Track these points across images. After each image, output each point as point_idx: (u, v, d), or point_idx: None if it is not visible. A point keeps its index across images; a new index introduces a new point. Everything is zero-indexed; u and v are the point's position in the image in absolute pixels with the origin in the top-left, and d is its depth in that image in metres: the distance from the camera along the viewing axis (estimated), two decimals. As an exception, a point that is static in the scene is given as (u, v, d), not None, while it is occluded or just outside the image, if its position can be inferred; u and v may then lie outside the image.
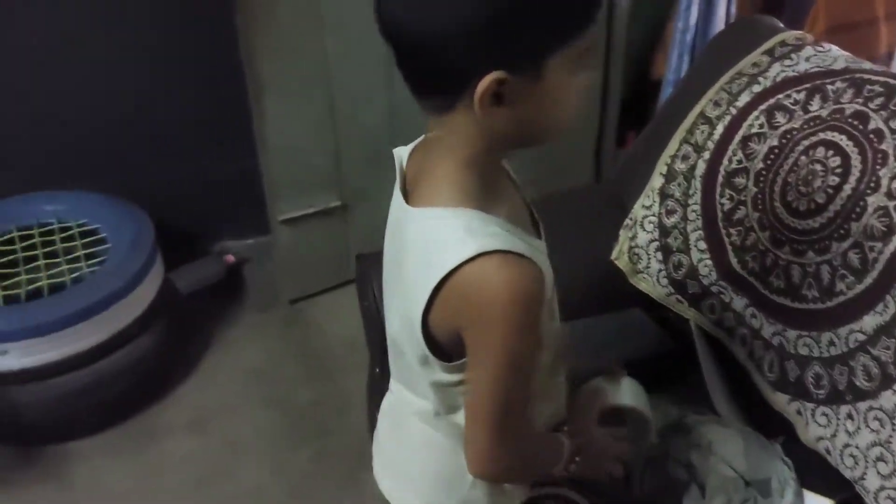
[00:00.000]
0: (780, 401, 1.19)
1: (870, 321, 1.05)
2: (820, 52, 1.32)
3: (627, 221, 1.44)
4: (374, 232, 1.02)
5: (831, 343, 1.10)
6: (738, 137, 1.30)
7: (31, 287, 1.84)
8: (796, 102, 1.25)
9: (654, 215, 1.41)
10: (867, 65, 1.26)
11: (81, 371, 1.83)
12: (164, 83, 2.20)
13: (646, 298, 1.41)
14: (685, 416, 1.16)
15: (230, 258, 2.48)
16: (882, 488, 1.02)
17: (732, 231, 1.28)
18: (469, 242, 0.77)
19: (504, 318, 0.78)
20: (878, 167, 1.08)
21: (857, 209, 1.08)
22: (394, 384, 1.04)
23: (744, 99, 1.33)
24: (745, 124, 1.30)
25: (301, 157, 2.12)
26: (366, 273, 1.43)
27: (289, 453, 1.89)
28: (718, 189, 1.31)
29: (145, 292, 1.94)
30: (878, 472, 1.03)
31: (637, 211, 1.43)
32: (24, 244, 1.98)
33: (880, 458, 1.03)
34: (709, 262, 1.31)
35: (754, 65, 1.37)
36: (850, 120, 1.15)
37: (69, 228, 2.04)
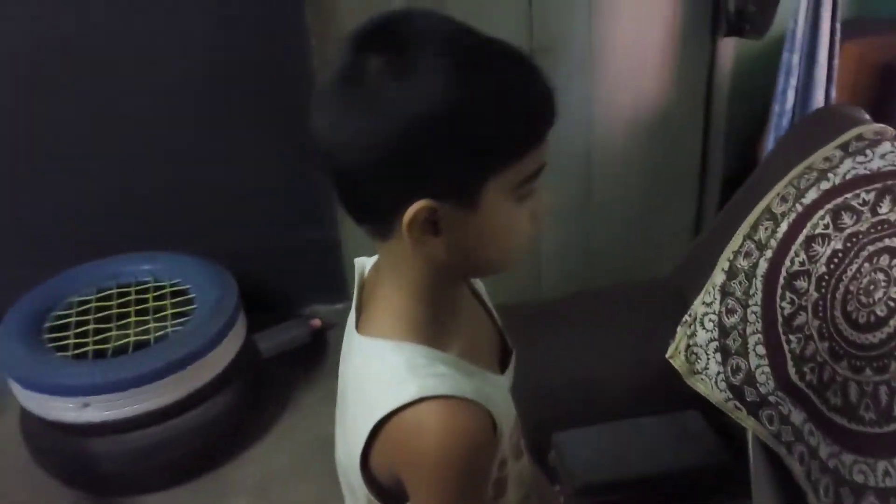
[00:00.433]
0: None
1: (927, 454, 0.95)
2: (899, 148, 1.24)
3: (686, 318, 1.38)
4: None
5: (887, 473, 1.00)
6: (801, 237, 1.23)
7: (118, 343, 1.94)
8: (864, 203, 1.17)
9: (714, 313, 1.34)
10: (948, 165, 1.17)
11: (157, 427, 1.90)
12: (254, 154, 2.32)
13: (704, 400, 1.33)
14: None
15: (316, 322, 2.54)
16: None
17: (792, 338, 1.19)
18: (409, 383, 0.71)
19: (442, 475, 0.71)
20: (944, 282, 0.99)
21: (919, 327, 0.99)
22: None
23: (811, 196, 1.26)
24: (810, 223, 1.23)
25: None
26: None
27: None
28: (779, 291, 1.23)
29: (224, 353, 2.00)
30: None
31: (697, 308, 1.37)
32: (120, 300, 2.10)
33: None
34: (767, 368, 1.22)
35: (826, 159, 1.29)
36: (918, 227, 1.06)
37: (163, 287, 2.15)
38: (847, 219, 1.18)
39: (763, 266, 1.28)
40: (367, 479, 0.75)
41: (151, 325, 2.01)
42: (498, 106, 0.67)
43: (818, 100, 1.97)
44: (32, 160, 2.23)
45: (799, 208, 1.26)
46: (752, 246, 1.31)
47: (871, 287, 1.07)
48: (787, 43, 1.99)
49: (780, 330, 1.21)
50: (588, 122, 2.31)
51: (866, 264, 1.10)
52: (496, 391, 0.79)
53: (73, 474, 1.94)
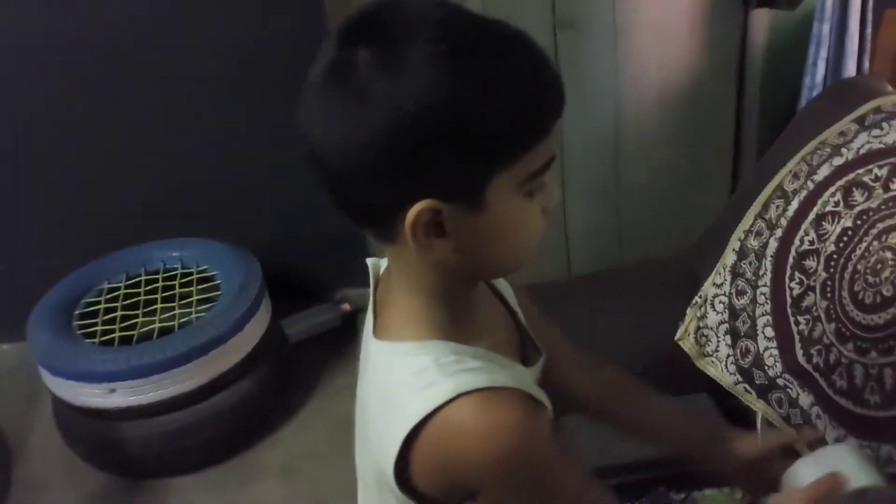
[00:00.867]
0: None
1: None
2: (917, 121, 1.18)
3: (696, 300, 1.34)
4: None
5: (889, 459, 0.96)
6: (812, 215, 1.18)
7: (143, 330, 1.98)
8: (877, 179, 1.12)
9: (724, 295, 1.30)
10: (967, 137, 1.11)
11: (183, 411, 1.93)
12: (283, 141, 2.32)
13: (714, 383, 1.30)
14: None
15: (346, 306, 2.55)
16: None
17: (801, 319, 1.15)
18: (442, 383, 0.66)
19: (507, 473, 0.66)
20: (951, 260, 0.95)
21: (924, 307, 0.95)
22: None
23: (823, 172, 1.21)
24: (821, 201, 1.18)
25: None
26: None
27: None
28: (788, 272, 1.19)
29: (248, 338, 2.02)
30: None
31: (707, 289, 1.33)
32: (148, 287, 2.14)
33: None
34: (775, 351, 1.19)
35: (840, 134, 1.24)
36: (928, 203, 1.01)
37: (190, 274, 2.18)
38: (858, 195, 1.13)
39: (773, 246, 1.23)
40: (401, 486, 0.70)
41: (177, 311, 2.04)
42: (498, 96, 0.62)
43: (850, 71, 1.89)
44: (64, 151, 2.28)
45: (810, 185, 1.22)
46: (763, 225, 1.27)
47: (879, 266, 1.03)
48: (818, 12, 1.91)
49: (789, 311, 1.17)
50: (615, 100, 2.26)
51: (875, 242, 1.05)
52: (527, 381, 0.74)
53: (104, 458, 1.99)
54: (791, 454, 0.92)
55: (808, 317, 1.14)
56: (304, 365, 2.34)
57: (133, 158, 2.31)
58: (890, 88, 1.31)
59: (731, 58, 2.24)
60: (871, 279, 1.03)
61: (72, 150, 2.28)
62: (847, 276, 1.08)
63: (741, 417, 1.29)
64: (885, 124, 1.19)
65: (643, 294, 1.42)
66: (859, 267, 1.06)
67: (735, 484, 0.93)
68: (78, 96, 2.22)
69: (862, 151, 1.18)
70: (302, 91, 0.67)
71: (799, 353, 1.14)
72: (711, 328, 1.30)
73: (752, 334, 1.23)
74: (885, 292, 1.00)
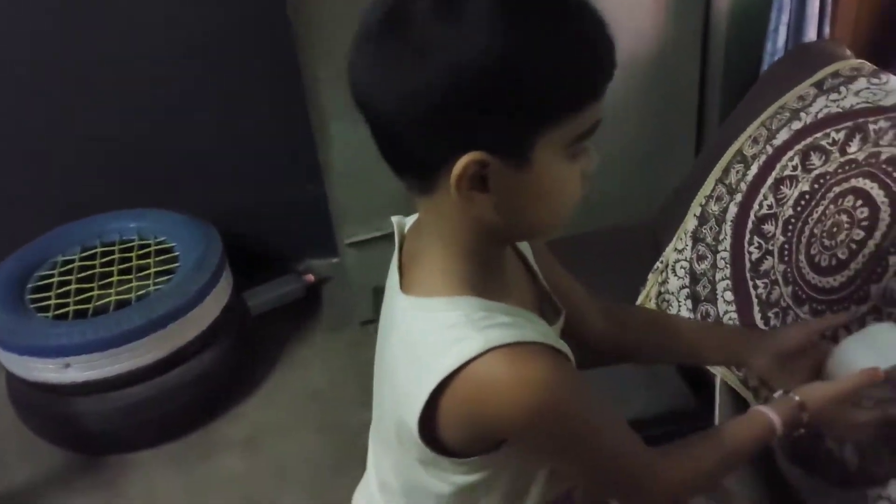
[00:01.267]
0: (795, 474, 1.06)
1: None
2: (875, 84, 1.17)
3: (658, 265, 1.34)
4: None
5: (844, 420, 0.97)
6: (770, 180, 1.18)
7: (99, 303, 1.94)
8: (834, 143, 1.12)
9: (685, 260, 1.30)
10: (925, 100, 1.11)
11: (141, 385, 1.90)
12: (242, 109, 2.28)
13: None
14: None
15: (310, 277, 2.52)
16: None
17: (759, 283, 1.15)
18: (472, 338, 0.67)
19: (539, 425, 0.69)
20: (905, 222, 0.95)
21: (879, 269, 0.95)
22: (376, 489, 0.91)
23: (782, 136, 1.21)
24: (780, 165, 1.18)
25: (365, 181, 2.11)
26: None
27: (331, 480, 1.88)
28: (748, 236, 1.19)
29: (208, 310, 1.99)
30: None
31: (668, 254, 1.33)
32: (103, 260, 2.09)
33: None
34: (734, 315, 1.19)
35: (800, 98, 1.24)
36: (884, 166, 1.01)
37: (147, 245, 2.13)
38: (816, 159, 1.13)
39: (733, 210, 1.23)
40: (425, 438, 0.72)
41: (134, 283, 2.00)
42: (552, 55, 0.62)
43: (810, 36, 1.88)
44: (17, 120, 2.21)
45: (769, 150, 1.21)
46: (723, 190, 1.27)
47: (835, 229, 1.03)
48: (779, -24, 1.90)
49: (748, 275, 1.18)
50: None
51: (831, 206, 1.05)
52: (555, 337, 0.75)
53: (60, 434, 1.95)
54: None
55: (766, 280, 1.14)
56: (268, 337, 2.31)
57: (89, 127, 2.25)
58: (848, 53, 1.30)
59: (695, 26, 2.23)
60: (826, 242, 1.03)
61: (24, 119, 2.21)
62: (804, 239, 1.08)
63: (702, 381, 1.30)
64: (842, 88, 1.19)
65: (606, 260, 1.42)
66: (816, 230, 1.06)
67: (775, 381, 0.94)
68: (30, 66, 2.15)
69: (820, 115, 1.18)
70: (356, 34, 0.67)
71: (757, 316, 1.14)
72: (673, 293, 1.30)
73: (713, 298, 1.23)
74: (840, 255, 1.00)
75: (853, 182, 1.04)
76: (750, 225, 1.19)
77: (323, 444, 2.00)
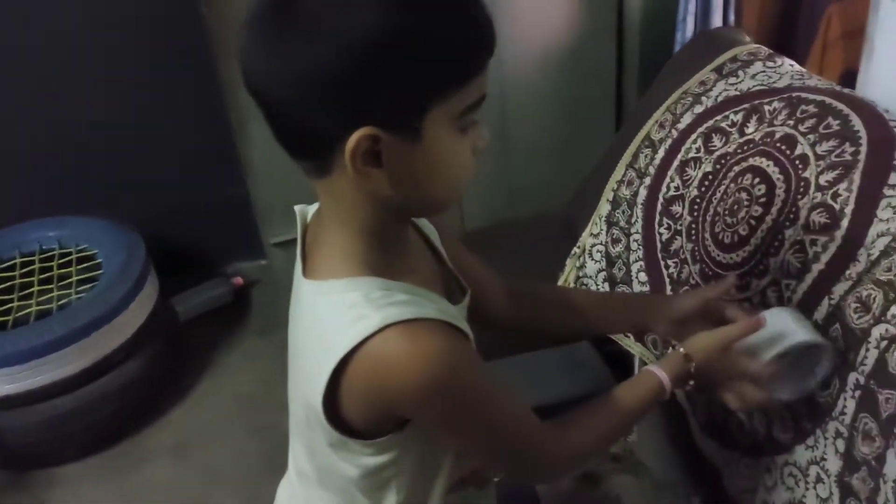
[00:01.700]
0: (710, 447, 1.10)
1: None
2: (770, 67, 1.23)
3: (575, 250, 1.37)
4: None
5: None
6: (676, 162, 1.23)
7: (19, 314, 1.89)
8: (733, 124, 1.16)
9: (601, 244, 1.34)
10: (814, 81, 1.16)
11: (66, 397, 1.86)
12: (164, 111, 2.25)
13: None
14: (599, 465, 1.09)
15: (239, 280, 2.50)
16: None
17: (670, 263, 1.19)
18: (370, 316, 0.69)
19: (434, 399, 0.70)
20: (798, 197, 0.99)
21: (776, 243, 0.99)
22: (296, 478, 0.94)
23: (686, 120, 1.25)
24: (684, 148, 1.22)
25: (288, 180, 2.09)
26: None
27: (263, 485, 1.86)
28: (657, 217, 1.23)
29: (132, 318, 1.96)
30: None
31: (585, 239, 1.36)
32: (23, 270, 2.04)
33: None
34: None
35: (701, 83, 1.28)
36: (778, 144, 1.06)
37: (69, 254, 2.09)
38: (717, 141, 1.17)
39: (643, 194, 1.27)
40: (331, 420, 0.73)
41: (55, 293, 1.96)
42: (438, 31, 0.65)
43: (716, 25, 1.95)
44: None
45: (675, 133, 1.26)
46: (634, 174, 1.31)
47: (735, 207, 1.07)
48: (686, -34, 1.96)
49: (660, 256, 1.21)
50: (499, 61, 2.27)
51: (732, 185, 1.10)
52: (455, 315, 0.76)
53: (-18, 450, 1.90)
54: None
55: (676, 260, 1.18)
56: (197, 342, 2.28)
57: (3, 131, 2.19)
58: (747, 38, 1.36)
59: (610, 16, 2.28)
60: (729, 220, 1.07)
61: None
62: (709, 218, 1.12)
63: (621, 361, 1.34)
64: (740, 72, 1.24)
65: (526, 247, 1.45)
66: (719, 209, 1.10)
67: (677, 339, 0.97)
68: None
69: (720, 99, 1.22)
70: (245, 21, 0.68)
71: (668, 295, 1.18)
72: (591, 277, 1.34)
73: (628, 280, 1.27)
74: (741, 231, 1.05)
75: (751, 161, 1.09)
76: (659, 207, 1.23)
77: (254, 447, 1.98)
